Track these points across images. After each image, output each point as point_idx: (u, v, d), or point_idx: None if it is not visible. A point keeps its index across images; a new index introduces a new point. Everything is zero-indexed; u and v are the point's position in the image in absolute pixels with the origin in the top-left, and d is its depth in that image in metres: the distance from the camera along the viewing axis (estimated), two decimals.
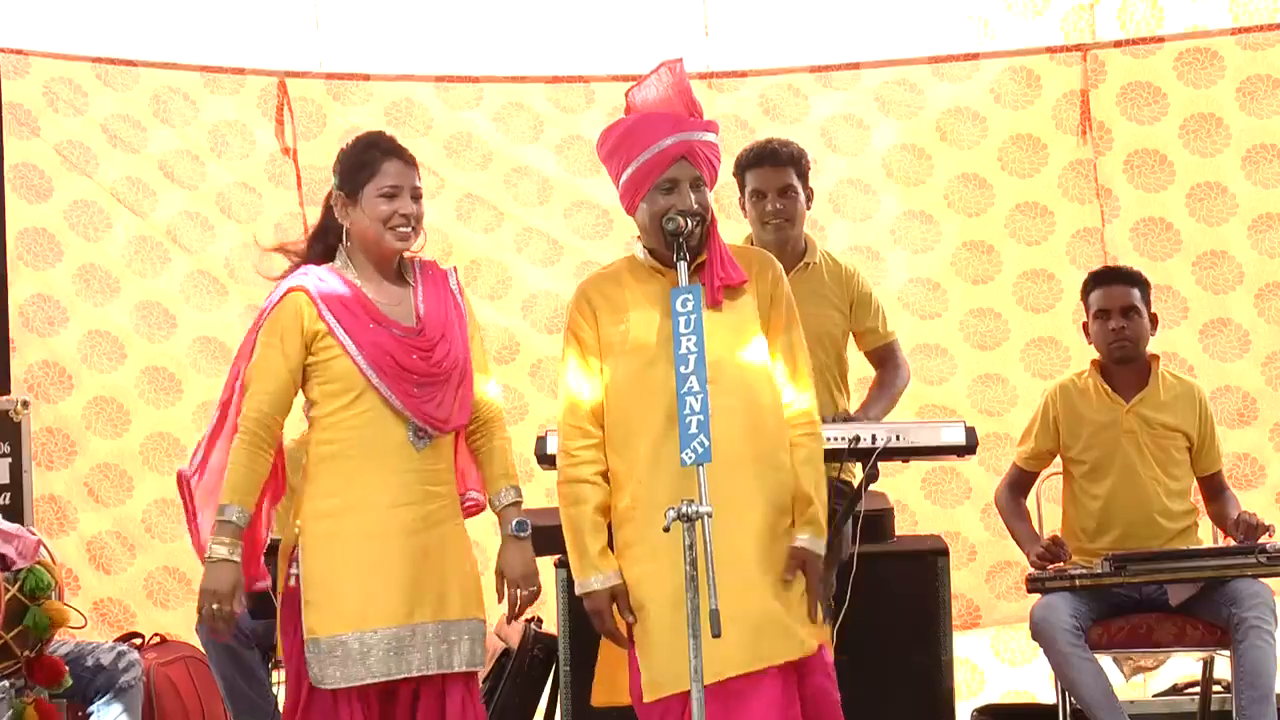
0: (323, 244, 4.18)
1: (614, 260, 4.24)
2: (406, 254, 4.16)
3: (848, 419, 4.89)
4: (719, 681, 3.82)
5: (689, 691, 3.70)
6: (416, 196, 4.08)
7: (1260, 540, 5.08)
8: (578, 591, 4.03)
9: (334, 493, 4.01)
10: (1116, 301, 5.34)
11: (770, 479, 3.99)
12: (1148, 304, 5.39)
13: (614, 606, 3.97)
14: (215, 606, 3.90)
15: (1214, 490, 5.45)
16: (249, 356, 4.07)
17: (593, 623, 4.02)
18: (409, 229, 4.06)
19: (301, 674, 3.98)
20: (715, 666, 3.78)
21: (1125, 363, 5.36)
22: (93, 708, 5.10)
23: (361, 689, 3.94)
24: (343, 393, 4.00)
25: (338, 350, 3.99)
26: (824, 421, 4.71)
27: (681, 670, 3.75)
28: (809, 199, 5.20)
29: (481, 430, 4.20)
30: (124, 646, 5.17)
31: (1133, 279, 5.42)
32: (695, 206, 3.96)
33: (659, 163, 3.99)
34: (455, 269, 4.27)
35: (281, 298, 4.04)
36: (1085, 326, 5.47)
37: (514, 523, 4.15)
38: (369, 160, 4.07)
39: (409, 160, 4.10)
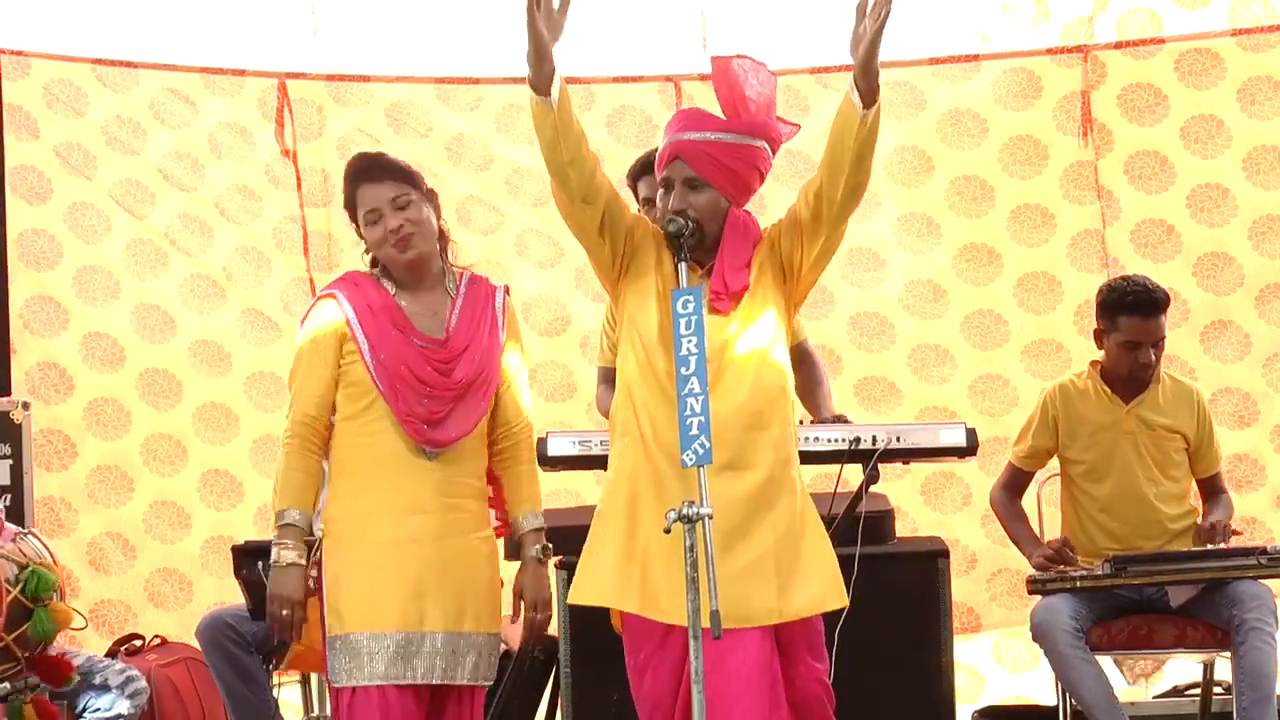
0: None
1: None
2: (455, 267, 4.16)
3: (846, 420, 4.89)
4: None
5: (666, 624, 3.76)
6: (401, 205, 4.02)
7: (1217, 545, 5.09)
8: None
9: (349, 497, 4.01)
10: (1151, 336, 5.23)
11: (770, 434, 3.91)
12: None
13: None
14: (286, 613, 3.90)
15: (1210, 492, 5.44)
16: None
17: None
18: (404, 237, 4.02)
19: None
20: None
21: (1142, 385, 5.34)
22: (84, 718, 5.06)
23: (415, 689, 3.93)
24: (358, 398, 4.00)
25: (357, 356, 4.00)
26: (821, 423, 4.75)
27: (600, 586, 3.86)
28: None
29: (510, 452, 4.17)
30: (134, 671, 5.09)
31: (1164, 305, 5.28)
32: (683, 207, 3.89)
33: (660, 163, 3.99)
34: (506, 287, 4.21)
35: (315, 302, 4.09)
36: (1097, 334, 5.36)
37: (538, 547, 4.13)
38: (349, 193, 4.08)
39: (378, 176, 4.03)
